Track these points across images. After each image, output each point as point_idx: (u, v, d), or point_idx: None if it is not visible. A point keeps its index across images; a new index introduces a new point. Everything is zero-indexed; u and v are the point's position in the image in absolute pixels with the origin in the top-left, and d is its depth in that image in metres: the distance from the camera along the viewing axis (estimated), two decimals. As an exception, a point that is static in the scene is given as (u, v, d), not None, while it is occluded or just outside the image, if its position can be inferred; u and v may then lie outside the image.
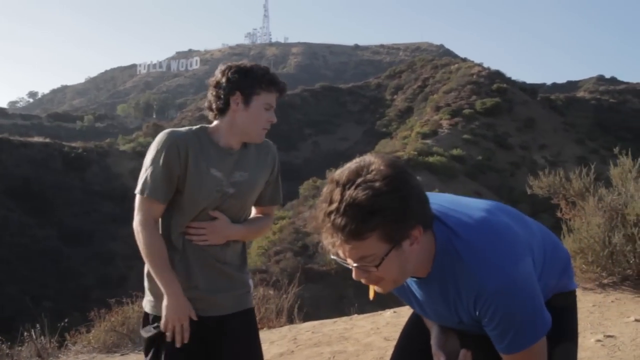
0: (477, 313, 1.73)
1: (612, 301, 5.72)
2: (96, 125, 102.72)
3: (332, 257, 1.70)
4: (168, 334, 2.34)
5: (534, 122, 64.29)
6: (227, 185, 2.45)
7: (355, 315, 6.59)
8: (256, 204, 2.62)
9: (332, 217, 1.58)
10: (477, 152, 53.87)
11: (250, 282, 2.61)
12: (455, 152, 52.43)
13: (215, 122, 2.51)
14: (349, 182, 1.60)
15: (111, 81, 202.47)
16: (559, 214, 6.69)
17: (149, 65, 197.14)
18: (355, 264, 1.65)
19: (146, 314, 2.52)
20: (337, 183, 1.62)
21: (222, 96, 2.43)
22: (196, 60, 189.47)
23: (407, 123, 70.56)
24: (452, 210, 1.81)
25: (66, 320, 6.40)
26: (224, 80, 2.42)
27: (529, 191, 6.99)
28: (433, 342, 1.96)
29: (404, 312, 6.17)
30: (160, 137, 2.43)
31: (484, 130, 58.67)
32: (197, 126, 2.52)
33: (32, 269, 40.12)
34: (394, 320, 5.85)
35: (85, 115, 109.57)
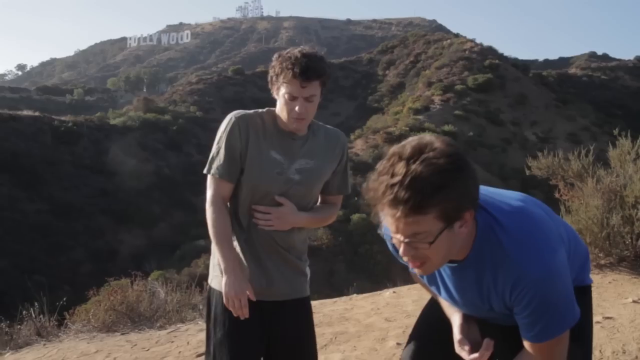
0: (512, 300, 1.75)
1: (610, 282, 5.77)
2: (86, 99, 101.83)
3: (381, 232, 1.72)
4: (231, 309, 2.37)
5: (526, 98, 64.37)
6: (291, 171, 2.45)
7: (355, 295, 6.61)
8: (323, 193, 2.62)
9: (396, 189, 1.57)
10: (469, 128, 53.99)
11: (308, 270, 2.61)
12: (446, 128, 52.52)
13: None
14: (413, 156, 1.59)
15: (101, 54, 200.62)
16: (557, 195, 6.71)
17: (139, 39, 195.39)
18: (407, 240, 1.64)
19: (211, 289, 2.56)
20: (400, 157, 1.60)
21: (270, 83, 2.44)
22: (187, 34, 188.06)
23: (399, 98, 70.49)
24: (491, 198, 1.83)
25: (64, 299, 6.40)
26: (270, 67, 2.44)
27: (527, 172, 7.00)
28: (456, 330, 1.96)
29: (404, 293, 6.21)
30: (227, 118, 2.48)
31: (475, 106, 58.74)
32: (266, 109, 2.53)
33: (22, 243, 40.01)
34: (393, 301, 5.88)
35: (75, 88, 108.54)
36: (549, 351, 1.82)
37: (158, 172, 54.62)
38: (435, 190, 1.56)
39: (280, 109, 2.42)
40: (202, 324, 5.75)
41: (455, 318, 1.99)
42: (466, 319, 1.99)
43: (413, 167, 1.57)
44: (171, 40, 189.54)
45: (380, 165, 1.64)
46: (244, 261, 2.47)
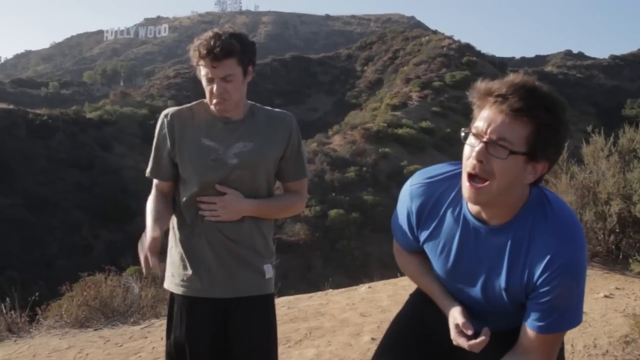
0: (541, 278, 1.74)
1: (582, 277, 5.83)
2: (61, 92, 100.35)
3: (465, 132, 1.72)
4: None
5: (503, 95, 64.81)
6: (228, 155, 2.37)
7: (330, 290, 6.61)
8: (281, 181, 2.54)
9: (515, 88, 1.66)
10: (446, 125, 54.15)
11: (267, 267, 2.48)
12: (424, 124, 52.70)
13: None
14: (532, 83, 1.69)
15: (77, 47, 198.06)
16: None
17: (116, 32, 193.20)
18: (492, 138, 1.66)
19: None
20: (516, 80, 1.69)
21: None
22: (165, 28, 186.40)
23: (377, 95, 70.64)
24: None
25: (37, 294, 6.31)
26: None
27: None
28: (458, 315, 1.90)
29: (379, 288, 6.23)
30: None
31: (453, 103, 58.94)
32: (199, 100, 2.47)
33: (-5, 238, 39.47)
34: (369, 296, 5.89)
35: (51, 81, 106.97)
36: (551, 345, 1.82)
37: (135, 166, 54.11)
38: (547, 110, 1.65)
39: (205, 93, 2.37)
40: (176, 320, 5.71)
41: (455, 305, 1.94)
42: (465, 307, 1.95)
43: (537, 83, 1.69)
44: (149, 33, 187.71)
45: (488, 83, 1.73)
46: (185, 259, 2.42)
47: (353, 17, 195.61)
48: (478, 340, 1.81)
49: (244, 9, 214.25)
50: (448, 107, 58.36)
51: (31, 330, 5.65)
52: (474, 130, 1.70)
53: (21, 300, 6.05)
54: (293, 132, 2.49)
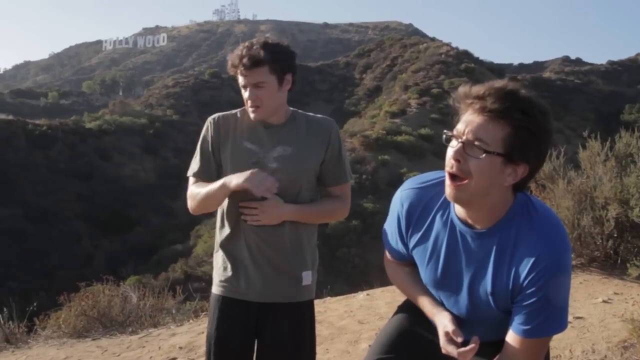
0: (527, 280, 1.75)
1: (581, 282, 5.83)
2: (61, 102, 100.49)
3: (447, 135, 1.77)
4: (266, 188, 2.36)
5: (501, 102, 64.86)
6: (269, 159, 2.43)
7: (329, 297, 6.60)
8: (324, 186, 2.56)
9: (493, 90, 1.70)
10: (445, 132, 54.17)
11: (306, 274, 2.50)
12: (423, 131, 52.71)
13: None
14: (513, 86, 1.73)
15: (76, 57, 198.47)
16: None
17: (115, 42, 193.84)
18: (469, 139, 1.70)
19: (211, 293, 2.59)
20: (495, 85, 1.74)
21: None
22: (163, 37, 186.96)
23: (375, 102, 70.65)
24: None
25: (35, 304, 6.31)
26: None
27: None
28: (448, 322, 1.90)
29: (377, 295, 6.22)
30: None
31: (451, 110, 59.04)
32: (243, 107, 2.54)
33: (-5, 249, 39.42)
34: (367, 303, 5.88)
35: (50, 92, 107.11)
36: (536, 352, 1.82)
37: (134, 176, 54.17)
38: (524, 112, 1.67)
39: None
40: (174, 329, 5.71)
41: (444, 313, 1.95)
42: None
43: (518, 88, 1.72)
44: (147, 43, 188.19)
45: (472, 88, 1.76)
46: (224, 260, 2.50)
47: (351, 25, 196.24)
48: (468, 347, 1.81)
49: (242, 17, 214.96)
50: (447, 114, 58.04)
51: (29, 340, 5.65)
52: (454, 132, 1.75)
53: (20, 311, 6.05)
54: (332, 137, 2.52)
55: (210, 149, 2.50)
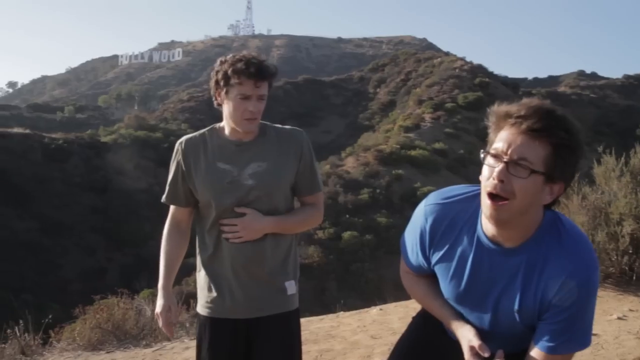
0: (556, 298, 1.76)
1: (595, 299, 5.78)
2: (77, 116, 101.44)
3: (484, 153, 1.76)
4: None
5: (516, 116, 64.60)
6: (243, 177, 2.43)
7: (342, 312, 6.60)
8: (297, 196, 2.58)
9: (534, 109, 1.70)
10: (459, 146, 54.09)
11: (289, 284, 2.51)
12: (437, 145, 52.64)
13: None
14: (549, 105, 1.74)
15: (92, 72, 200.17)
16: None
17: (130, 56, 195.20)
18: (513, 158, 1.68)
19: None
20: (532, 103, 1.74)
21: (212, 90, 2.46)
22: (179, 52, 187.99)
23: (389, 116, 70.69)
24: None
25: (50, 316, 6.36)
26: (213, 74, 2.45)
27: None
28: (473, 337, 1.89)
29: (390, 310, 6.20)
30: None
31: (466, 124, 58.90)
32: (210, 126, 2.56)
33: (11, 262, 39.65)
34: (380, 318, 5.87)
35: (66, 106, 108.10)
36: None
37: (149, 189, 54.39)
38: (565, 131, 1.70)
39: (230, 113, 2.42)
40: (187, 342, 5.73)
41: (467, 327, 1.94)
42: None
43: (555, 107, 1.74)
44: (163, 58, 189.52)
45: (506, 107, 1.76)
46: (207, 280, 2.51)
47: (365, 39, 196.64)
48: None
49: (256, 32, 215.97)
50: (461, 129, 58.30)
51: (44, 352, 5.69)
52: (492, 151, 1.73)
53: (35, 323, 6.10)
54: (304, 147, 2.53)
55: (179, 173, 2.50)
